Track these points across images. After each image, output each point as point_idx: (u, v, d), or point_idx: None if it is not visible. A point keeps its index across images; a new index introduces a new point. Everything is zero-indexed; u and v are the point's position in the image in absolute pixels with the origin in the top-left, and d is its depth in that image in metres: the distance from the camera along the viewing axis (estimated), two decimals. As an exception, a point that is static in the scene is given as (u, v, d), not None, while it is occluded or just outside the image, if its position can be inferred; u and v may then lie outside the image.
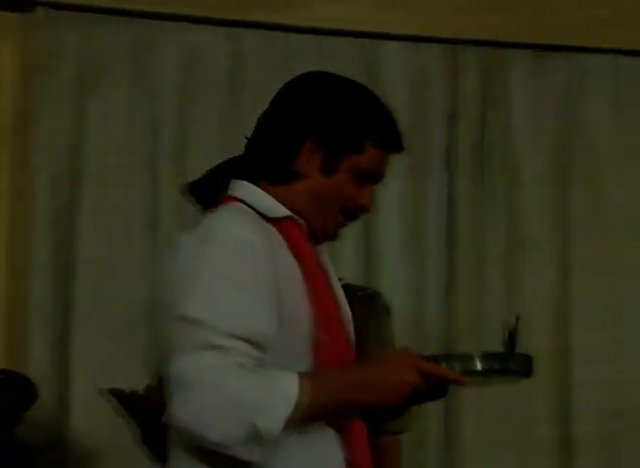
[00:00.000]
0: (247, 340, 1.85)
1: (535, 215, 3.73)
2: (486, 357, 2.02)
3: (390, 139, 2.08)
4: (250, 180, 2.06)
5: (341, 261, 3.58)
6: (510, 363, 2.06)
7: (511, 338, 2.10)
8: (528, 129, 3.78)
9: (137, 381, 3.00)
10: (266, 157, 2.05)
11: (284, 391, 1.86)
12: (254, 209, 2.00)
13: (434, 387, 1.95)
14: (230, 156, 2.81)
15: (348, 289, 2.50)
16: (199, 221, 1.99)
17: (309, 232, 2.03)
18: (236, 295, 1.88)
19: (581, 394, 3.67)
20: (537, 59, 3.86)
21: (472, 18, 3.77)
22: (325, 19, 3.66)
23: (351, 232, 3.47)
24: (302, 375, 1.88)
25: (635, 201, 3.83)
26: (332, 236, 2.09)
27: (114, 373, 3.29)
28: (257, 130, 2.11)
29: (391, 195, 3.68)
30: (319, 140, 2.01)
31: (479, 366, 2.00)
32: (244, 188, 2.04)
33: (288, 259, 1.97)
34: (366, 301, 2.82)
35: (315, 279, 2.00)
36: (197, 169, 3.26)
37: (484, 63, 3.84)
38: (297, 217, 2.01)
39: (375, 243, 3.74)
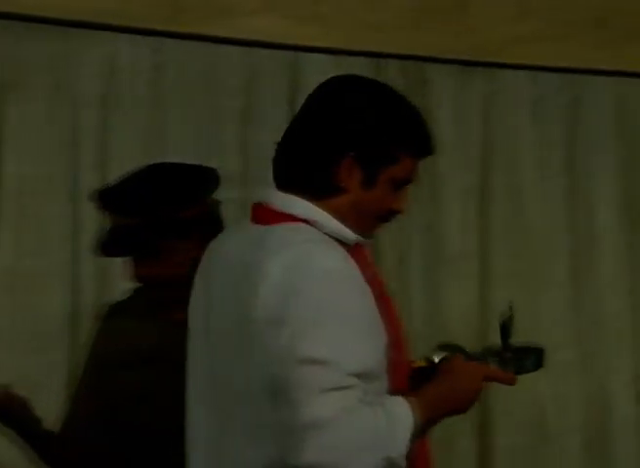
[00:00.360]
0: (360, 375, 1.91)
1: (457, 228, 3.82)
2: (500, 357, 2.13)
3: (423, 146, 2.11)
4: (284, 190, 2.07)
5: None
6: (525, 362, 2.17)
7: (504, 328, 2.17)
8: (450, 142, 3.80)
9: (54, 396, 2.99)
10: (310, 172, 2.05)
11: (403, 419, 1.93)
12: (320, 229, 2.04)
13: None
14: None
15: None
16: (269, 241, 1.98)
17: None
18: (350, 331, 1.91)
19: (501, 407, 3.71)
20: (459, 75, 3.93)
21: (396, 32, 3.86)
22: (249, 30, 3.69)
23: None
24: (409, 399, 1.96)
25: (555, 214, 3.92)
26: (369, 237, 2.13)
27: (30, 388, 3.07)
28: (292, 141, 2.10)
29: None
30: (358, 157, 2.03)
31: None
32: (310, 209, 2.05)
33: (365, 285, 2.00)
34: None
35: (385, 301, 2.04)
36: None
37: (408, 77, 3.86)
38: (362, 240, 2.07)
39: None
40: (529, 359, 2.19)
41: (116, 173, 3.28)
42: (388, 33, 3.80)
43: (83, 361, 2.58)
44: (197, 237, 2.52)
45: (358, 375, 1.89)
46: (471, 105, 3.89)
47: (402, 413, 1.93)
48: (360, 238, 2.07)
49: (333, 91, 2.12)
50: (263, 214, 2.05)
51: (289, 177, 2.07)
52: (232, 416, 1.96)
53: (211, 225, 2.55)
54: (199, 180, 2.65)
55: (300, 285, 1.91)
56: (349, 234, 2.05)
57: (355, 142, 2.04)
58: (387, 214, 2.10)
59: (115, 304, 2.65)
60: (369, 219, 2.09)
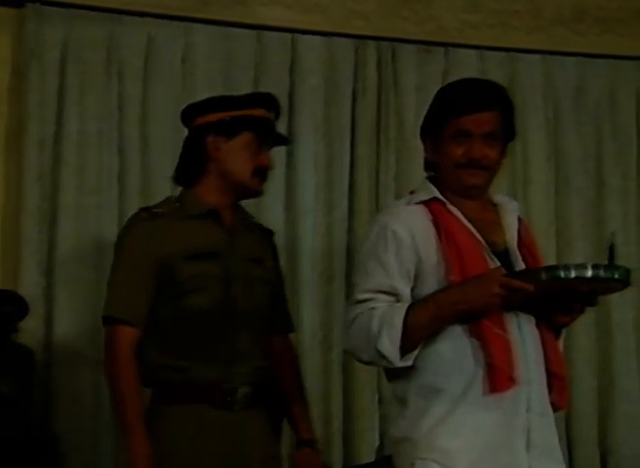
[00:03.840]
0: (383, 292, 2.20)
1: (419, 175, 3.86)
2: (594, 266, 2.07)
3: (459, 110, 2.26)
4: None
5: (271, 208, 3.71)
6: (615, 272, 2.08)
7: (611, 249, 2.17)
8: (414, 108, 3.84)
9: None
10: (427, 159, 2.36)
11: (394, 320, 2.14)
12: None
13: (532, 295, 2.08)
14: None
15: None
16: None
17: (462, 192, 2.27)
18: (373, 265, 2.22)
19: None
20: (423, 53, 3.97)
21: (375, 20, 3.87)
22: (260, 18, 3.79)
23: (277, 185, 3.66)
24: (412, 304, 2.17)
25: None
26: (470, 187, 2.27)
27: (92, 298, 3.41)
28: None
29: (308, 156, 3.82)
30: (425, 134, 2.35)
31: (589, 273, 2.06)
32: (424, 183, 2.35)
33: (426, 228, 2.23)
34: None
35: (456, 242, 2.19)
36: (156, 136, 3.52)
37: (381, 56, 3.92)
38: (439, 198, 2.27)
39: (295, 194, 3.82)
40: (618, 271, 2.08)
41: (155, 130, 3.59)
42: (368, 20, 3.87)
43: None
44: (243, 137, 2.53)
45: (383, 292, 2.20)
46: (432, 77, 3.89)
47: (397, 316, 2.14)
48: (438, 197, 2.25)
49: None
50: None
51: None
52: None
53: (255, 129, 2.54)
54: (235, 97, 2.65)
55: (367, 234, 2.31)
56: (424, 196, 2.28)
57: (424, 128, 2.36)
58: (465, 164, 2.25)
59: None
60: (451, 173, 2.27)
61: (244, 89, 3.69)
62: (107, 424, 3.43)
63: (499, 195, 2.45)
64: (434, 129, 2.30)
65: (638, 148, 4.15)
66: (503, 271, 2.16)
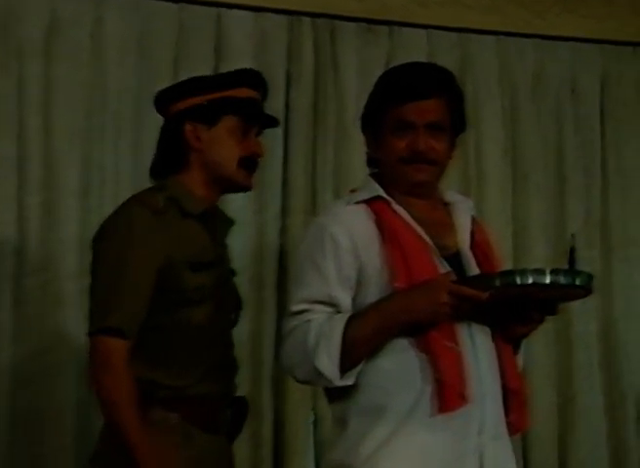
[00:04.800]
0: (321, 302, 2.11)
1: (360, 169, 3.76)
2: (553, 272, 2.02)
3: (398, 98, 2.19)
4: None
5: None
6: (576, 278, 2.05)
7: (572, 253, 2.17)
8: (355, 94, 3.73)
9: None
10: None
11: (332, 333, 2.06)
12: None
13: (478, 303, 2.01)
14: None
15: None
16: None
17: (408, 190, 2.21)
18: (314, 274, 2.13)
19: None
20: (365, 32, 3.86)
21: None
22: None
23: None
24: (353, 315, 2.10)
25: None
26: (416, 184, 2.20)
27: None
28: None
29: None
30: (366, 125, 2.28)
31: (548, 279, 2.01)
32: (367, 181, 2.28)
33: (368, 230, 2.15)
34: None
35: (394, 238, 2.12)
36: (61, 123, 3.48)
37: (318, 35, 3.81)
38: (383, 196, 2.19)
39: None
40: (580, 277, 2.05)
41: (59, 116, 3.44)
42: (303, -6, 3.80)
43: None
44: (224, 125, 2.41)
45: (320, 302, 2.11)
46: (375, 60, 3.80)
47: (335, 330, 2.07)
48: (382, 196, 2.18)
49: None
50: None
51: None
52: None
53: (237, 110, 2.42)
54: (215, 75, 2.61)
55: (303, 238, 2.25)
56: (367, 194, 2.20)
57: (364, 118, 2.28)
58: (409, 157, 2.17)
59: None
60: (395, 168, 2.20)
61: (162, 69, 3.64)
62: (21, 455, 3.27)
63: (451, 193, 2.37)
64: (375, 120, 2.24)
65: (602, 141, 4.12)
66: (453, 277, 2.09)
